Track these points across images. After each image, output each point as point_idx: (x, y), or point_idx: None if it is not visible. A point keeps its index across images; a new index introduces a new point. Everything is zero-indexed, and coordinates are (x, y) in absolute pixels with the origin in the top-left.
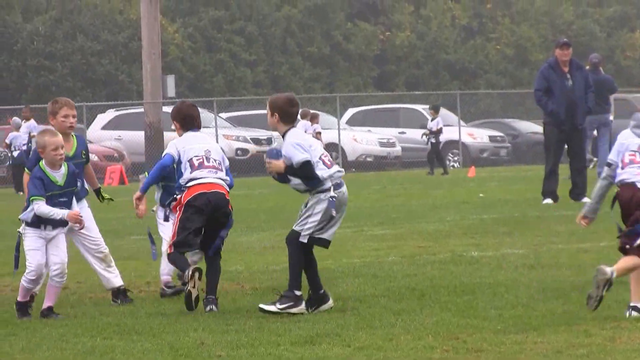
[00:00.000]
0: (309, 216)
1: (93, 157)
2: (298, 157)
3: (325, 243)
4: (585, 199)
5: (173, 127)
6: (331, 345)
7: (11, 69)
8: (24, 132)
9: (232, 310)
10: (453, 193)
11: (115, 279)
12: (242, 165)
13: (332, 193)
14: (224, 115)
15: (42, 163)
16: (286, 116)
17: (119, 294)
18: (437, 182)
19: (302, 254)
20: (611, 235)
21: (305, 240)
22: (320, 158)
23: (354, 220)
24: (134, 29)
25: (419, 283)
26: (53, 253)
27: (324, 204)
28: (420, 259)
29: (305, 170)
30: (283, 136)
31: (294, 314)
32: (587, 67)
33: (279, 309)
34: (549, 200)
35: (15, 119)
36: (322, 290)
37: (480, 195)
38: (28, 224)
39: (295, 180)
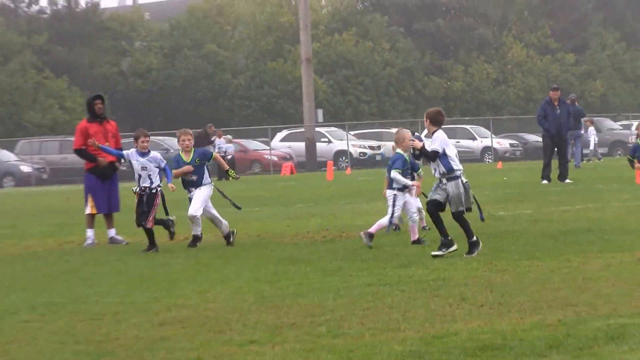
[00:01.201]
0: (458, 195)
1: (274, 158)
2: (434, 146)
3: (467, 210)
4: (568, 181)
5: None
6: (416, 268)
7: (224, 107)
8: (220, 142)
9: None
10: (489, 177)
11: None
12: (364, 162)
13: (464, 179)
14: (351, 132)
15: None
16: (435, 121)
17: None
18: (480, 171)
19: (465, 220)
20: (583, 201)
21: (464, 211)
22: (455, 155)
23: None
24: (298, 82)
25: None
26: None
27: (461, 187)
28: (468, 217)
29: (431, 156)
30: (432, 134)
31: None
32: (568, 102)
33: (463, 253)
34: (545, 182)
35: (228, 136)
36: (450, 237)
37: (505, 178)
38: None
39: (439, 167)
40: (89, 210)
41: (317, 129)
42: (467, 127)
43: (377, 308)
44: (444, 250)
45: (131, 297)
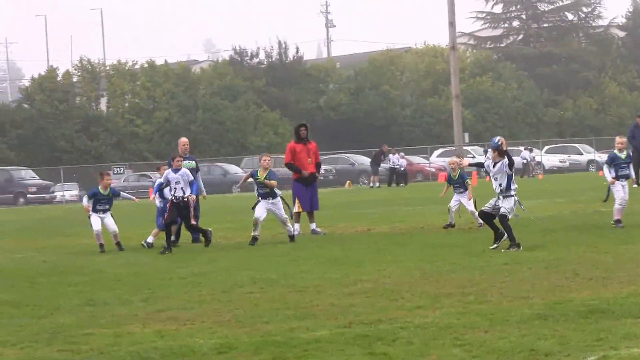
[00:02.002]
0: (509, 206)
1: (432, 170)
2: (511, 162)
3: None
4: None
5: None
6: (539, 251)
7: (395, 132)
8: (394, 158)
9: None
10: (592, 182)
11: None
12: None
13: (516, 197)
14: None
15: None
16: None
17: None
18: (586, 178)
19: (509, 226)
20: None
21: (510, 217)
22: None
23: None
24: (449, 112)
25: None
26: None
27: (512, 202)
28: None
29: (510, 165)
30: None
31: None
32: None
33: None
34: (635, 185)
35: (401, 153)
36: (500, 231)
37: (604, 183)
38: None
39: (503, 184)
40: (296, 209)
41: (464, 147)
42: (576, 145)
43: (512, 281)
44: (497, 243)
45: (327, 274)
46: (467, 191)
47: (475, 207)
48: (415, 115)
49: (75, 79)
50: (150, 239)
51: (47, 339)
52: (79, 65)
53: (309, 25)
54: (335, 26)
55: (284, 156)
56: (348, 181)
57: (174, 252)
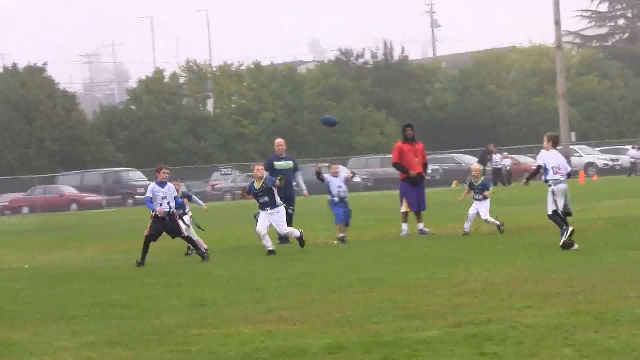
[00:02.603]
0: (546, 200)
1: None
2: (538, 161)
3: (564, 212)
4: None
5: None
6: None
7: (501, 131)
8: (497, 158)
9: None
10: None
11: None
12: (606, 170)
13: (552, 187)
14: (597, 148)
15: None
16: (551, 142)
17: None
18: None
19: (557, 216)
20: None
21: (550, 213)
22: (551, 167)
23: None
24: (555, 112)
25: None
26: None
27: (548, 194)
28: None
29: (536, 169)
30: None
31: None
32: None
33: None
34: None
35: (504, 152)
36: (564, 227)
37: None
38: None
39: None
40: (403, 209)
41: (570, 146)
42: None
43: (621, 280)
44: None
45: (436, 274)
46: (486, 200)
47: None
48: (521, 114)
49: (181, 80)
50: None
51: (157, 339)
52: (186, 66)
53: (414, 25)
54: (440, 26)
55: (391, 156)
56: (455, 181)
57: (277, 253)
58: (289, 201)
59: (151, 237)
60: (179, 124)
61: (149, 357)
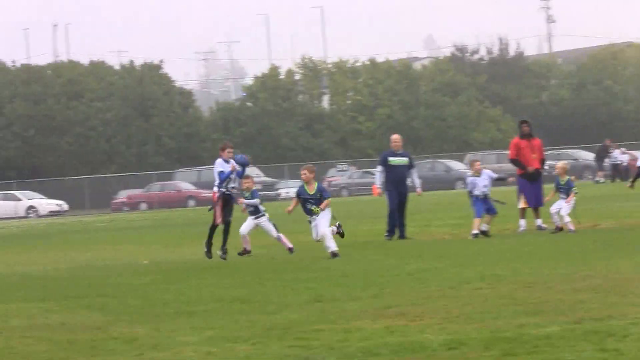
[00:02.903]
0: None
1: None
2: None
3: None
4: None
5: None
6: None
7: (618, 127)
8: (616, 153)
9: None
10: None
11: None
12: None
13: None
14: None
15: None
16: None
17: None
18: None
19: None
20: None
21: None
22: None
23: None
24: None
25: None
26: None
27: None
28: None
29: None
30: None
31: None
32: None
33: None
34: None
35: (622, 148)
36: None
37: None
38: None
39: None
40: (521, 204)
41: None
42: None
43: None
44: None
45: (555, 270)
46: (569, 197)
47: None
48: (638, 110)
49: (297, 77)
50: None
51: (277, 334)
52: (301, 63)
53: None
54: (555, 21)
55: (507, 152)
56: (572, 177)
57: (395, 248)
58: (402, 197)
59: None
60: (295, 120)
61: (269, 352)
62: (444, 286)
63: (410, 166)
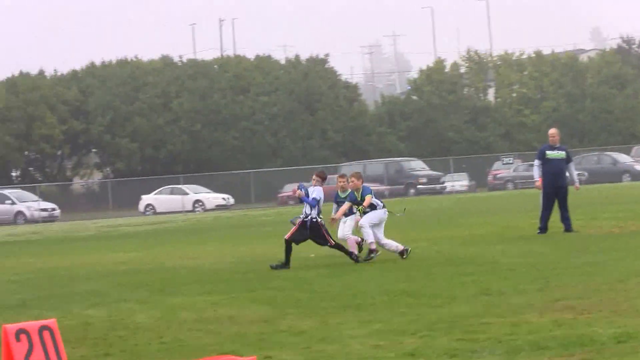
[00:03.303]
0: None
1: None
2: None
3: None
4: None
5: None
6: None
7: None
8: None
9: None
10: None
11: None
12: None
13: None
14: None
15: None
16: None
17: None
18: None
19: None
20: None
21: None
22: None
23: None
24: None
25: None
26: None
27: None
28: None
29: None
30: None
31: None
32: None
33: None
34: None
35: None
36: None
37: None
38: None
39: None
40: None
41: None
42: None
43: None
44: None
45: None
46: None
47: None
48: None
49: (462, 70)
50: None
51: (444, 328)
52: (467, 56)
53: None
54: None
55: None
56: None
57: (562, 242)
58: (561, 191)
59: (292, 241)
60: (460, 113)
61: (436, 345)
62: (611, 279)
63: (568, 160)
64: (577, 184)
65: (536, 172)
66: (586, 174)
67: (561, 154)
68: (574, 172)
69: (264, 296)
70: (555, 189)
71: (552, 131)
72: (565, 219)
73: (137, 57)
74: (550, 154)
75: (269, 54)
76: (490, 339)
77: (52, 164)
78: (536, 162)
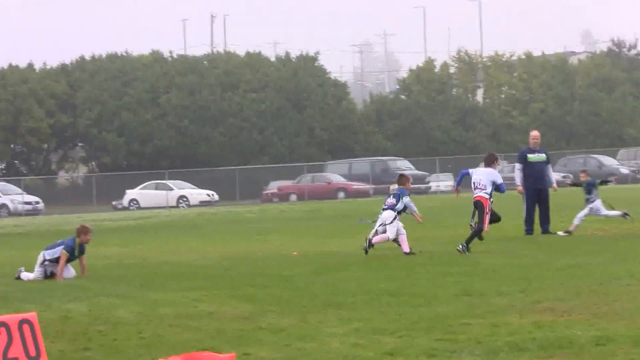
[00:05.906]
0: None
1: None
2: None
3: None
4: None
5: None
6: None
7: None
8: None
9: None
10: None
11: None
12: None
13: None
14: None
15: None
16: None
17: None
18: None
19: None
20: None
21: None
22: None
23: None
24: None
25: None
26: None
27: None
28: None
29: None
30: None
31: None
32: None
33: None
34: None
35: None
36: None
37: None
38: None
39: None
40: None
41: None
42: None
43: None
44: None
45: None
46: None
47: None
48: None
49: (452, 71)
50: None
51: (424, 327)
52: (457, 56)
53: None
54: None
55: None
56: None
57: (545, 244)
58: (542, 194)
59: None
60: (448, 114)
61: (416, 345)
62: (592, 282)
63: (547, 162)
64: (554, 185)
65: (517, 177)
66: (571, 176)
67: (542, 156)
68: (551, 174)
69: (245, 293)
70: (537, 191)
71: (536, 133)
72: (546, 222)
73: (128, 51)
74: (532, 157)
75: (259, 50)
76: (470, 339)
77: (38, 157)
78: (517, 166)
